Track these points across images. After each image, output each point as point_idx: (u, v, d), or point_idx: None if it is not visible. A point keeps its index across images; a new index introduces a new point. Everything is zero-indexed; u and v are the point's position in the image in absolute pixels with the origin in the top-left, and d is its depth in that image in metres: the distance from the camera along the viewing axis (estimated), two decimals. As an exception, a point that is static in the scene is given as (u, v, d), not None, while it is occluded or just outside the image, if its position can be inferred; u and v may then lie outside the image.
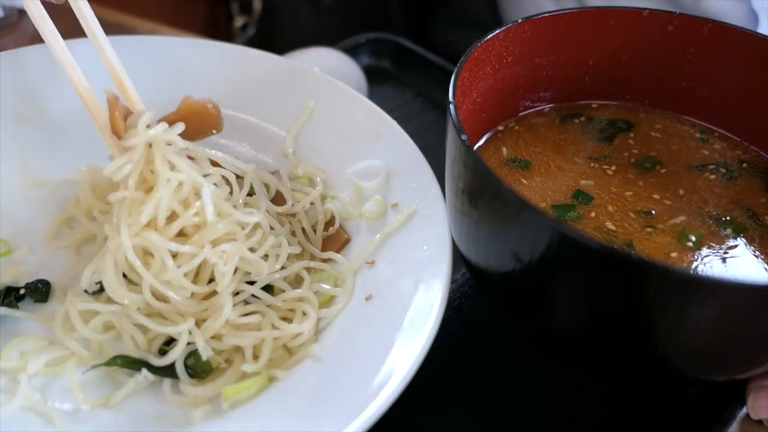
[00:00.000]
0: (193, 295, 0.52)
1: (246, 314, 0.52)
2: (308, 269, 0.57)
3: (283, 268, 0.55)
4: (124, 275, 0.51)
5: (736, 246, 0.50)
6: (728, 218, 0.52)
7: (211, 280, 0.52)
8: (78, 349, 0.51)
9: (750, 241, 0.50)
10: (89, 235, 0.58)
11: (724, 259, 0.49)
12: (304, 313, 0.53)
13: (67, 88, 0.66)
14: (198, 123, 0.55)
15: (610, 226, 0.50)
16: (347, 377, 0.48)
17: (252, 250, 0.53)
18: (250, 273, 0.53)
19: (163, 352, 0.51)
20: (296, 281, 0.57)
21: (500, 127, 0.59)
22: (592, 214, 0.51)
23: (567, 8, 0.56)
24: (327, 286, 0.55)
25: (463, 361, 0.56)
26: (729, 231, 0.51)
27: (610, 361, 0.49)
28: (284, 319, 0.53)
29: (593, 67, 0.60)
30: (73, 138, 0.65)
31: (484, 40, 0.53)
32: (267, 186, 0.61)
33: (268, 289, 0.55)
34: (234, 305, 0.52)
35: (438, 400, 0.53)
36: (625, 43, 0.59)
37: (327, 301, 0.55)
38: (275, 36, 1.29)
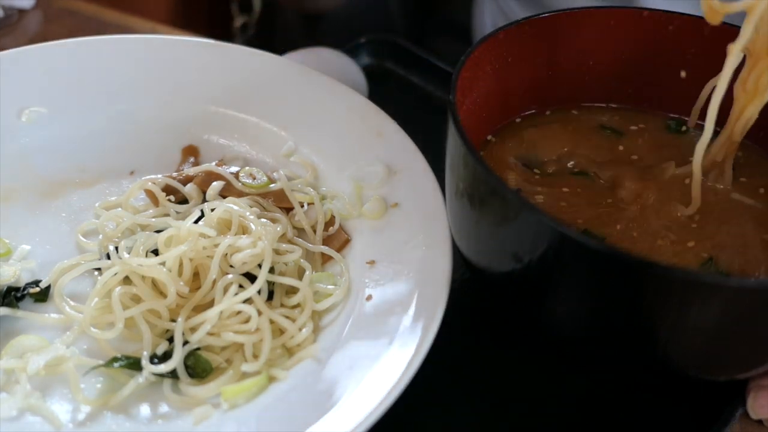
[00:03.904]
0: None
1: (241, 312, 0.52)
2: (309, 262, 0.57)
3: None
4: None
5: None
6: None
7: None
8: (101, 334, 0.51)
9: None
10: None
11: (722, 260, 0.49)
12: (302, 311, 0.53)
13: (67, 88, 0.66)
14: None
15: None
16: (347, 377, 0.48)
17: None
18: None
19: (162, 353, 0.51)
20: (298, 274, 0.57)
21: (500, 127, 0.59)
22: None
23: (567, 8, 0.56)
24: (327, 286, 0.55)
25: (463, 361, 0.56)
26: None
27: (610, 361, 0.49)
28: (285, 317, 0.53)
29: (593, 67, 0.60)
30: (73, 138, 0.65)
31: (484, 40, 0.53)
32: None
33: (270, 294, 0.55)
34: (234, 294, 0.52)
35: (438, 400, 0.53)
36: (625, 43, 0.59)
37: (326, 300, 0.55)
38: (275, 36, 1.29)
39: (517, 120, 0.60)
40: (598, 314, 0.44)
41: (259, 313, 0.52)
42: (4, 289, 0.54)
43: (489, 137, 0.58)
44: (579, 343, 0.49)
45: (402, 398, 0.45)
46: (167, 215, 0.60)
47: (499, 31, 0.54)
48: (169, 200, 0.61)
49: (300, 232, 0.61)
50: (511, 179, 0.53)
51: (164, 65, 0.69)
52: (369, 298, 0.53)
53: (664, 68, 0.59)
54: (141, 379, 0.49)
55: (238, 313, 0.52)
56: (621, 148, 0.58)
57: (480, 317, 0.60)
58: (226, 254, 0.54)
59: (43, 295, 0.55)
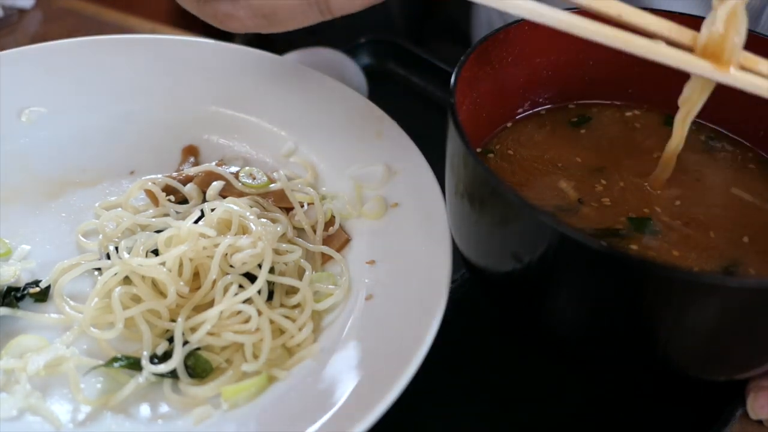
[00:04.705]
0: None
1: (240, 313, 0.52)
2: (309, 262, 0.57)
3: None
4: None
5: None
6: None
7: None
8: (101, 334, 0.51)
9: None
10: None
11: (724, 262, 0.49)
12: (302, 311, 0.53)
13: (67, 88, 0.66)
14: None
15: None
16: (347, 377, 0.48)
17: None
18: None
19: (162, 353, 0.51)
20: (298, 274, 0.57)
21: (500, 128, 0.59)
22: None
23: (566, 8, 0.56)
24: (327, 286, 0.55)
25: (463, 361, 0.56)
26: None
27: (610, 361, 0.49)
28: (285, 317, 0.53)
29: (593, 67, 0.60)
30: (73, 138, 0.65)
31: (484, 40, 0.53)
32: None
33: (270, 294, 0.55)
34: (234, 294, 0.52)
35: (438, 400, 0.53)
36: (625, 43, 0.59)
37: (326, 300, 0.55)
38: (275, 36, 1.28)
39: (516, 119, 0.60)
40: (598, 314, 0.44)
41: (259, 313, 0.52)
42: (4, 289, 0.54)
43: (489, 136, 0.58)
44: (579, 343, 0.49)
45: (402, 398, 0.45)
46: (167, 215, 0.60)
47: (499, 31, 0.54)
48: (169, 200, 0.61)
49: (300, 232, 0.61)
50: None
51: (164, 65, 0.69)
52: (369, 298, 0.53)
53: (664, 68, 0.59)
54: (141, 379, 0.49)
55: (238, 313, 0.52)
56: (618, 145, 0.58)
57: (480, 317, 0.60)
58: (226, 254, 0.54)
59: (43, 295, 0.55)
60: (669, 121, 0.60)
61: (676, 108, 0.61)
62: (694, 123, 0.59)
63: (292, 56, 0.78)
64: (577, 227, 0.49)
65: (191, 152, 0.67)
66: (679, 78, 0.59)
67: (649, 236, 0.49)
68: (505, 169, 0.55)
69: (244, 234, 0.56)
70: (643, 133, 0.59)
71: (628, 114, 0.61)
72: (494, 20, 1.02)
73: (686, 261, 0.48)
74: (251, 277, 0.54)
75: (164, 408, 0.49)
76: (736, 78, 0.47)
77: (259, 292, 0.53)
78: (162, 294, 0.53)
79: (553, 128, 0.59)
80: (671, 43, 0.48)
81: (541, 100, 0.61)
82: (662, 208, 0.52)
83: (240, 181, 0.62)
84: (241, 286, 0.53)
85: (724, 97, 0.57)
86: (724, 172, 0.57)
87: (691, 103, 0.50)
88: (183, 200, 0.62)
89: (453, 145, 0.47)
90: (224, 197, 0.60)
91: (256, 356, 0.51)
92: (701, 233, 0.50)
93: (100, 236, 0.58)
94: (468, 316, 0.59)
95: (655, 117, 0.61)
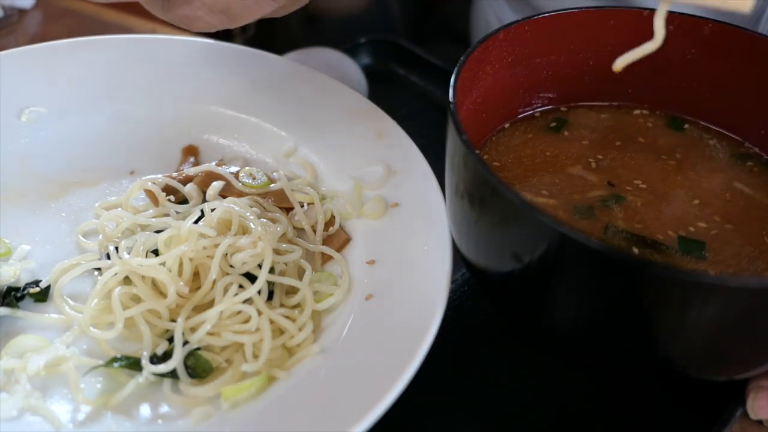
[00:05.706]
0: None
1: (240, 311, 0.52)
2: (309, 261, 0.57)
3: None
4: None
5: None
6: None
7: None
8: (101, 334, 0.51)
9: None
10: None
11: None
12: (302, 311, 0.53)
13: (67, 88, 0.66)
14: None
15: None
16: (347, 378, 0.48)
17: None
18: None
19: (162, 353, 0.51)
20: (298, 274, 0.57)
21: (500, 128, 0.59)
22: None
23: (567, 8, 0.56)
24: (327, 286, 0.55)
25: (463, 361, 0.56)
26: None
27: (610, 361, 0.49)
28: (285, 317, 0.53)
29: (593, 67, 0.60)
30: (73, 138, 0.65)
31: (484, 40, 0.53)
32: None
33: (270, 294, 0.55)
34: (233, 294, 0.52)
35: (438, 400, 0.53)
36: (625, 43, 0.58)
37: (326, 300, 0.55)
38: (275, 36, 1.29)
39: (516, 119, 0.60)
40: (598, 314, 0.44)
41: (259, 313, 0.52)
42: (4, 289, 0.54)
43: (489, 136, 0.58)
44: (579, 343, 0.49)
45: (402, 398, 0.45)
46: (167, 215, 0.60)
47: (499, 31, 0.54)
48: (169, 200, 0.61)
49: (300, 232, 0.61)
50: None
51: (164, 65, 0.69)
52: (369, 298, 0.53)
53: (664, 68, 0.59)
54: (141, 379, 0.49)
55: (238, 313, 0.52)
56: (618, 143, 0.58)
57: (480, 317, 0.60)
58: (226, 254, 0.54)
59: (43, 295, 0.55)
60: (671, 123, 0.60)
61: (675, 108, 0.61)
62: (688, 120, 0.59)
63: (292, 56, 0.78)
64: (619, 227, 0.49)
65: (191, 152, 0.67)
66: (679, 78, 0.60)
67: (697, 258, 0.49)
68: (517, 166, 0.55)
69: (244, 234, 0.56)
70: (643, 132, 0.60)
71: (628, 113, 0.61)
72: (491, 22, 1.02)
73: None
74: (251, 277, 0.54)
75: (164, 408, 0.49)
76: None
77: (259, 292, 0.53)
78: (162, 294, 0.53)
79: (537, 132, 0.59)
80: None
81: (541, 100, 0.61)
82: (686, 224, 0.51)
83: (240, 181, 0.62)
84: (241, 286, 0.53)
85: (721, 95, 0.58)
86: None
87: None
88: (183, 200, 0.62)
89: (453, 145, 0.47)
90: (224, 197, 0.60)
91: (256, 356, 0.51)
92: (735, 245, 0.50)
93: (100, 236, 0.58)
94: (468, 316, 0.59)
95: (655, 117, 0.61)
